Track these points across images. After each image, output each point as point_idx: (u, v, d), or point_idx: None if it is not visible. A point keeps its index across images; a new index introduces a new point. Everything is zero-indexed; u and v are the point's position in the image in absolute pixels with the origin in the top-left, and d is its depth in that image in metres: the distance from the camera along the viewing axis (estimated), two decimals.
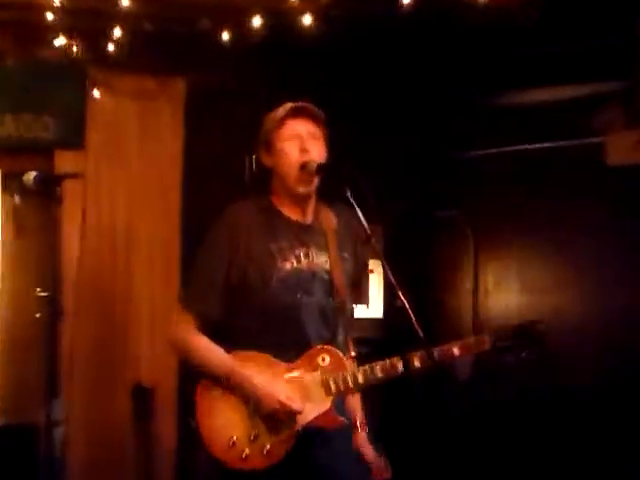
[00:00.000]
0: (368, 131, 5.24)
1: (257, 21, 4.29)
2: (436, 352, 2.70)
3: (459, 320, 5.45)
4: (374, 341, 4.70)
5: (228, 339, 2.80)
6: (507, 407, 5.11)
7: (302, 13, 4.22)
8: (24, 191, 3.45)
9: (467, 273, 5.52)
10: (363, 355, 3.01)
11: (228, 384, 2.75)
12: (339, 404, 2.82)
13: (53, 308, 3.48)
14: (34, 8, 4.23)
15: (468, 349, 2.76)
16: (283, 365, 2.76)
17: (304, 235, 2.87)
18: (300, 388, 2.75)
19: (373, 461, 2.94)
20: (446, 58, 5.12)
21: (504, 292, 5.40)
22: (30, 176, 3.37)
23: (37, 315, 4.21)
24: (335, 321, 2.85)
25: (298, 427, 2.72)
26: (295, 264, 2.81)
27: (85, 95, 4.74)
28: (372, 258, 2.98)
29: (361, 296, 3.04)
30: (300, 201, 2.88)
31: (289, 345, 2.77)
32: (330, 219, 2.93)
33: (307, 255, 2.84)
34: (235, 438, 2.72)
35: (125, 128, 4.91)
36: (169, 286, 4.85)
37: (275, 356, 2.76)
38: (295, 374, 2.76)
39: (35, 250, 4.78)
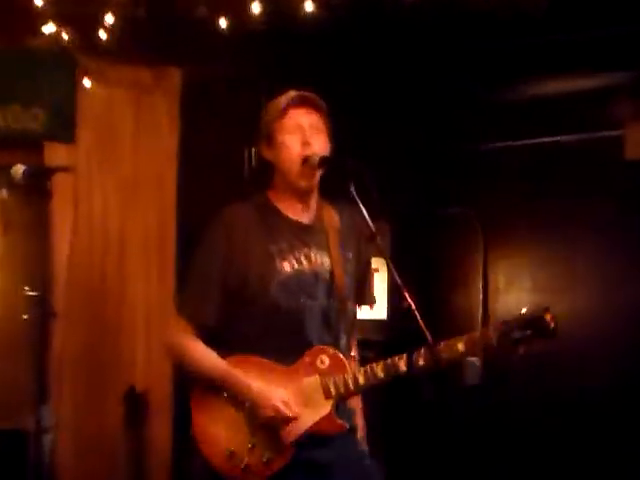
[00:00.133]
0: (372, 125, 5.24)
1: (256, 8, 4.27)
2: (440, 348, 2.68)
3: (469, 321, 5.44)
4: (378, 344, 4.71)
5: (226, 345, 2.79)
6: (517, 409, 5.11)
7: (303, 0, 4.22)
8: (12, 185, 3.45)
9: (477, 272, 5.52)
10: (367, 359, 3.01)
11: (223, 390, 2.74)
12: (341, 407, 2.80)
13: (42, 309, 3.48)
14: None
15: (473, 344, 2.73)
16: (280, 368, 2.75)
17: (305, 235, 2.86)
18: (298, 392, 2.73)
19: None
20: (451, 49, 5.11)
21: (515, 291, 5.40)
22: (19, 170, 3.36)
23: (25, 316, 4.21)
24: (338, 324, 2.84)
25: (298, 434, 2.71)
26: (296, 266, 2.80)
27: (76, 85, 4.74)
28: (376, 256, 2.96)
29: (365, 297, 3.01)
30: (301, 197, 2.87)
31: (291, 350, 2.76)
32: (332, 217, 2.92)
33: (308, 256, 2.83)
34: (233, 448, 2.71)
35: (118, 120, 4.91)
36: (164, 287, 4.85)
37: (275, 362, 2.75)
38: (294, 378, 2.74)
39: (24, 247, 4.79)
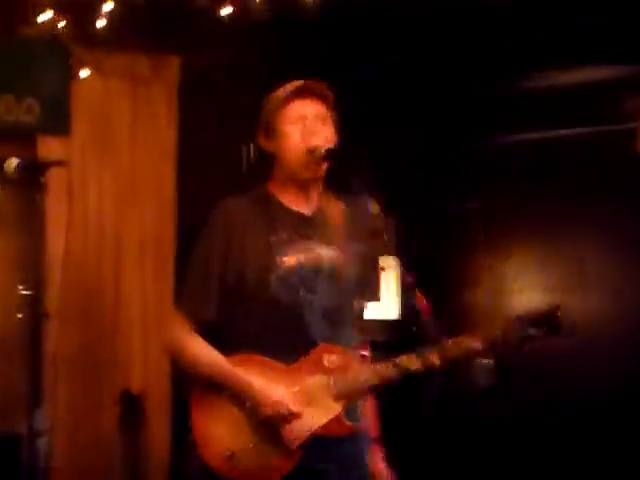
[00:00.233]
0: (375, 120, 5.24)
1: None
2: (453, 345, 2.69)
3: (479, 321, 5.44)
4: (387, 345, 4.71)
5: (226, 342, 2.78)
6: (524, 410, 5.11)
7: None
8: (4, 180, 3.43)
9: (487, 271, 5.52)
10: (378, 360, 3.01)
11: (224, 388, 2.74)
12: (351, 409, 2.79)
13: (36, 308, 3.48)
14: None
15: (484, 341, 2.73)
16: (284, 367, 2.73)
17: (306, 227, 2.84)
18: (304, 392, 2.72)
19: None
20: (455, 44, 5.12)
21: (526, 292, 5.39)
22: (11, 163, 3.36)
23: (19, 316, 4.21)
24: (341, 320, 2.83)
25: (305, 437, 2.69)
26: (296, 259, 2.78)
27: (71, 76, 4.74)
28: (384, 254, 2.96)
29: (371, 294, 3.01)
30: (303, 188, 2.85)
31: (292, 347, 2.74)
32: (337, 209, 2.90)
33: (310, 249, 2.81)
34: (233, 449, 2.70)
35: (115, 112, 4.91)
36: (162, 285, 4.85)
37: (277, 359, 2.74)
38: (299, 378, 2.73)
39: (16, 245, 4.79)
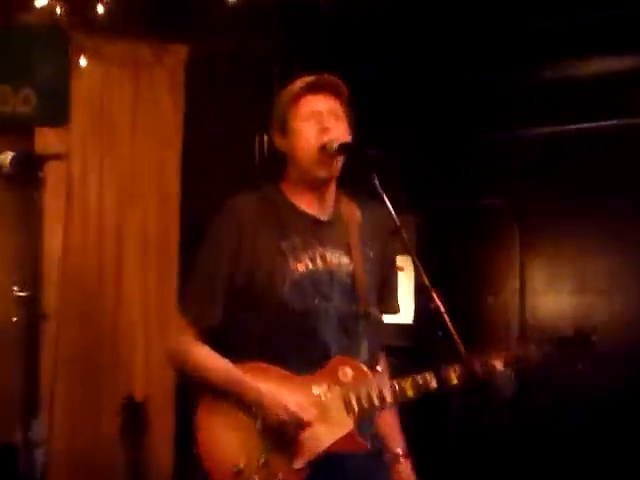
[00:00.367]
0: (395, 112, 5.23)
1: None
2: (476, 366, 2.67)
3: (503, 325, 5.43)
4: (403, 350, 4.70)
5: (233, 349, 2.77)
6: (549, 417, 5.10)
7: None
8: None
9: (513, 271, 5.50)
10: (391, 365, 3.00)
11: (231, 397, 2.73)
12: (366, 427, 2.78)
13: (33, 310, 3.48)
14: None
15: (513, 362, 2.74)
16: (297, 379, 2.73)
17: (321, 231, 2.83)
18: (317, 406, 2.71)
19: None
20: (477, 30, 5.10)
21: (555, 293, 5.38)
22: (7, 157, 3.36)
23: (14, 318, 4.22)
24: (357, 330, 2.82)
25: (315, 453, 2.69)
26: (310, 265, 2.78)
27: (70, 64, 4.75)
28: (401, 254, 2.95)
29: (388, 303, 3.00)
30: (318, 190, 2.84)
31: (305, 358, 2.73)
32: (352, 212, 2.90)
33: (324, 255, 2.81)
34: (241, 464, 2.69)
35: (116, 103, 4.92)
36: (165, 287, 4.86)
37: (288, 370, 2.73)
38: (311, 390, 2.72)
39: (12, 243, 4.79)
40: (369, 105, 4.46)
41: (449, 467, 4.97)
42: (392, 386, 2.73)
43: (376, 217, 2.83)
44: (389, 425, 2.93)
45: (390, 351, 3.09)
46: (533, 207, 5.40)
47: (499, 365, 2.72)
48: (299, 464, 2.69)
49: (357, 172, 2.66)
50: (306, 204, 2.85)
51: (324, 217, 2.86)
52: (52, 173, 4.45)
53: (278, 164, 2.92)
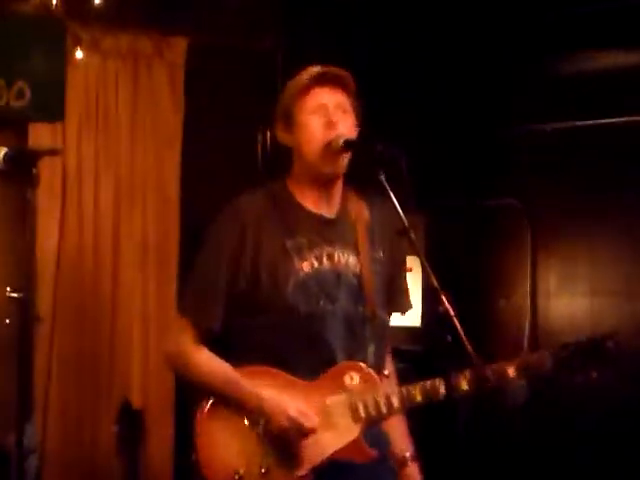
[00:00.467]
0: (404, 108, 5.23)
1: None
2: (487, 373, 2.67)
3: (514, 329, 5.42)
4: (411, 354, 4.70)
5: (236, 354, 2.77)
6: (560, 426, 5.10)
7: None
8: None
9: (524, 272, 5.50)
10: (398, 370, 3.00)
11: (231, 401, 2.73)
12: (373, 433, 2.78)
13: (26, 312, 3.48)
14: None
15: (526, 369, 2.73)
16: (302, 384, 2.73)
17: (327, 230, 2.83)
18: (321, 412, 2.71)
19: None
20: (491, 23, 5.10)
21: (569, 295, 5.37)
22: None
23: (7, 321, 4.23)
24: (364, 333, 2.82)
25: (319, 460, 2.69)
26: (316, 265, 2.78)
27: (66, 57, 4.75)
28: (409, 254, 2.95)
29: (398, 303, 3.00)
30: (324, 187, 2.84)
31: (310, 361, 2.73)
32: (361, 210, 2.89)
33: (330, 255, 2.81)
34: (242, 471, 2.69)
35: (113, 97, 4.92)
36: (165, 290, 4.86)
37: (293, 374, 2.73)
38: (316, 395, 2.72)
39: (5, 243, 4.79)
40: (379, 100, 4.48)
41: (457, 472, 4.95)
42: (400, 392, 2.73)
43: (385, 215, 2.82)
44: (397, 429, 2.92)
45: (397, 355, 3.10)
46: (546, 206, 5.40)
47: (511, 371, 2.72)
48: (302, 471, 2.69)
49: (366, 169, 2.66)
50: (312, 201, 2.85)
51: (331, 215, 2.85)
52: (47, 170, 4.45)
53: (282, 160, 2.92)
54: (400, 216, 2.60)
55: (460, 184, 5.53)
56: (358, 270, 2.82)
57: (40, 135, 4.73)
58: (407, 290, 3.01)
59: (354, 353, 2.78)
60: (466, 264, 5.37)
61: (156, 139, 4.97)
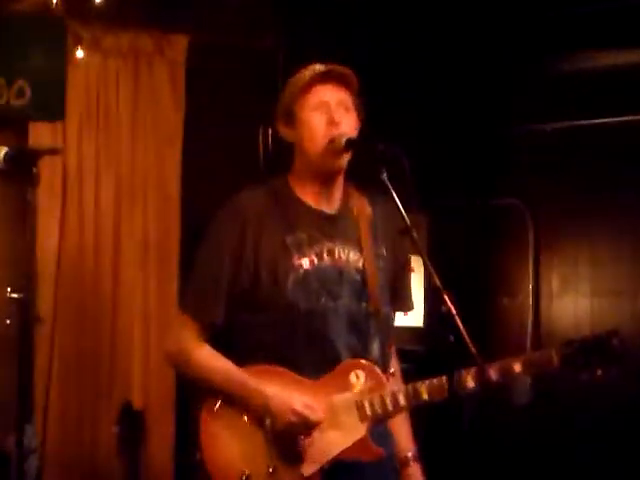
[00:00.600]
0: (406, 107, 5.23)
1: None
2: (493, 370, 2.67)
3: (517, 329, 5.43)
4: (413, 354, 4.70)
5: (237, 352, 2.78)
6: (563, 424, 5.10)
7: None
8: None
9: (527, 272, 5.50)
10: (402, 370, 3.00)
11: (236, 400, 2.73)
12: (378, 432, 2.78)
13: (26, 313, 3.48)
14: None
15: (531, 366, 2.73)
16: (307, 383, 2.73)
17: (328, 226, 2.84)
18: (327, 411, 2.71)
19: None
20: (491, 20, 5.10)
21: (572, 295, 5.37)
22: None
23: (7, 321, 4.23)
24: (368, 330, 2.82)
25: (326, 459, 2.69)
26: (316, 261, 2.78)
27: (66, 55, 4.74)
28: (412, 254, 2.95)
29: (401, 301, 3.00)
30: (325, 183, 2.84)
31: (314, 360, 2.73)
32: (363, 207, 2.90)
33: (331, 251, 2.81)
34: (249, 471, 2.69)
35: (114, 96, 4.91)
36: (166, 289, 4.85)
37: (297, 373, 2.73)
38: (321, 393, 2.72)
39: (5, 243, 4.79)
40: (379, 100, 4.48)
41: (461, 471, 4.95)
42: (406, 390, 2.73)
43: (388, 214, 2.82)
44: (400, 428, 2.93)
45: (399, 355, 3.10)
46: (548, 206, 5.41)
47: (517, 367, 2.71)
48: (309, 471, 2.69)
49: (368, 168, 2.67)
50: (312, 197, 2.85)
51: (331, 211, 2.86)
52: (47, 169, 4.45)
53: (283, 159, 2.93)
54: (403, 215, 2.60)
55: (460, 184, 5.54)
56: (360, 266, 2.82)
57: (40, 134, 4.73)
58: (410, 289, 3.01)
59: (358, 351, 2.78)
60: (468, 264, 5.38)
61: (157, 137, 4.96)
